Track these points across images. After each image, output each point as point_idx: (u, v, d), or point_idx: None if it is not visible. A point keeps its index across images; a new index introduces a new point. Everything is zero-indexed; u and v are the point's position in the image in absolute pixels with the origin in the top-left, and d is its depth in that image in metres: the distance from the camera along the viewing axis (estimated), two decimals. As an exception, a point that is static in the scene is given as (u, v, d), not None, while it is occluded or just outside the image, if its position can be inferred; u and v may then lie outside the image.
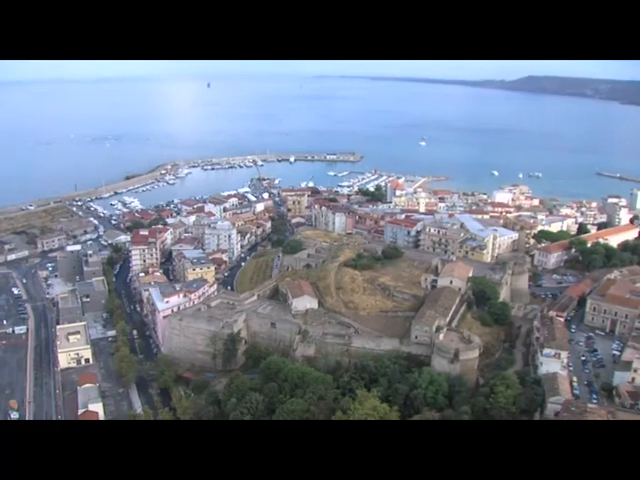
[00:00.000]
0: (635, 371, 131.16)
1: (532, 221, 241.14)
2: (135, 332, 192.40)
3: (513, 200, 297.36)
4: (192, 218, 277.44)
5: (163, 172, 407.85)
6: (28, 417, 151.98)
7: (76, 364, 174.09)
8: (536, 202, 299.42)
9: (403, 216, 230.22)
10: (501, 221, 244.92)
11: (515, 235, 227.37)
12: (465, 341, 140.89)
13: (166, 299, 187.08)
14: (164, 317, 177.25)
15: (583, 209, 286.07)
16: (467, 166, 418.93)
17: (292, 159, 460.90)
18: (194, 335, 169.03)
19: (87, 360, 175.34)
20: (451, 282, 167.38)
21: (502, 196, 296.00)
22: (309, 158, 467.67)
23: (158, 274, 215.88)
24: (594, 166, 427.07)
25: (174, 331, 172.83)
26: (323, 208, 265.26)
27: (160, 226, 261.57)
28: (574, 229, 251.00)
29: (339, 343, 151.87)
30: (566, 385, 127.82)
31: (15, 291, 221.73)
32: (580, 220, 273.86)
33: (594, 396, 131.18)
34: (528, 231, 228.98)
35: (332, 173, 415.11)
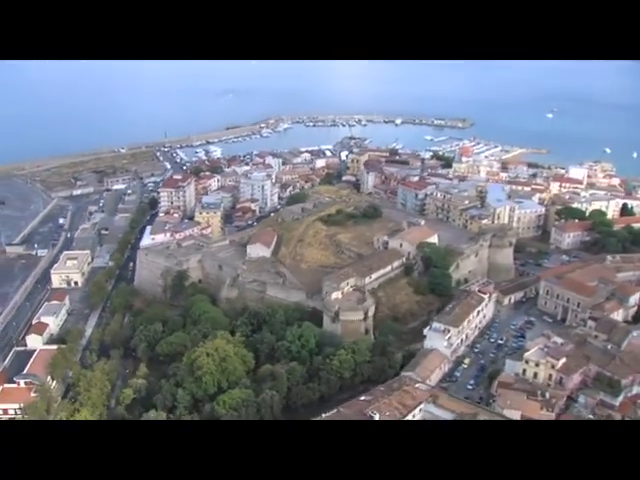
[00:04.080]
0: (527, 362, 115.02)
1: (568, 197, 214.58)
2: (132, 264, 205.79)
3: (589, 177, 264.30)
4: (246, 168, 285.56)
5: (263, 125, 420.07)
6: (2, 319, 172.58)
7: (66, 285, 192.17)
8: (616, 181, 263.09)
9: (417, 178, 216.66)
10: (542, 195, 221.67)
11: (541, 210, 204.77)
12: (361, 302, 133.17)
13: (152, 236, 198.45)
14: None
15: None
16: (581, 141, 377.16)
17: (398, 121, 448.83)
18: (156, 270, 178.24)
19: (76, 283, 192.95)
20: (401, 245, 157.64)
21: (576, 172, 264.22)
22: (416, 122, 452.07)
23: (176, 215, 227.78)
24: None
25: (142, 264, 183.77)
26: (362, 167, 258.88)
27: (208, 173, 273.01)
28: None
29: (257, 290, 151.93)
30: (434, 363, 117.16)
31: (61, 221, 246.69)
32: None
33: (471, 381, 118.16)
34: (559, 207, 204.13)
35: (429, 137, 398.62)
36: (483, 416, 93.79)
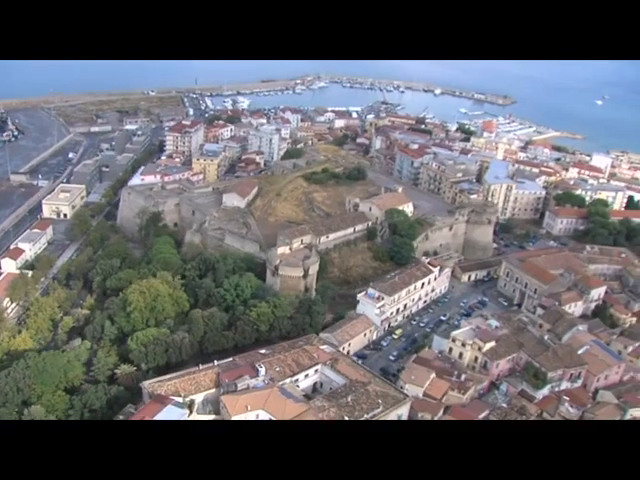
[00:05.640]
0: (453, 341, 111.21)
1: (572, 183, 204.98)
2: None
3: (613, 167, 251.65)
4: (262, 121, 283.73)
5: (298, 82, 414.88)
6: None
7: (56, 216, 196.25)
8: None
9: (416, 146, 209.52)
10: (550, 178, 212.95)
11: (541, 192, 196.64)
12: (305, 259, 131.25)
13: (142, 177, 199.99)
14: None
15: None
16: (624, 131, 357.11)
17: (437, 91, 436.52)
18: (136, 209, 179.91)
19: (65, 215, 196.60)
20: (370, 209, 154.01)
21: (600, 160, 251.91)
22: (456, 93, 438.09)
23: (177, 160, 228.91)
24: None
25: (125, 203, 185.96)
26: (372, 130, 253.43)
27: (221, 122, 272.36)
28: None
29: (217, 238, 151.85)
30: (357, 329, 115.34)
31: (70, 155, 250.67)
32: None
33: (395, 353, 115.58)
34: (560, 192, 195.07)
35: (464, 110, 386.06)
36: (376, 386, 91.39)
